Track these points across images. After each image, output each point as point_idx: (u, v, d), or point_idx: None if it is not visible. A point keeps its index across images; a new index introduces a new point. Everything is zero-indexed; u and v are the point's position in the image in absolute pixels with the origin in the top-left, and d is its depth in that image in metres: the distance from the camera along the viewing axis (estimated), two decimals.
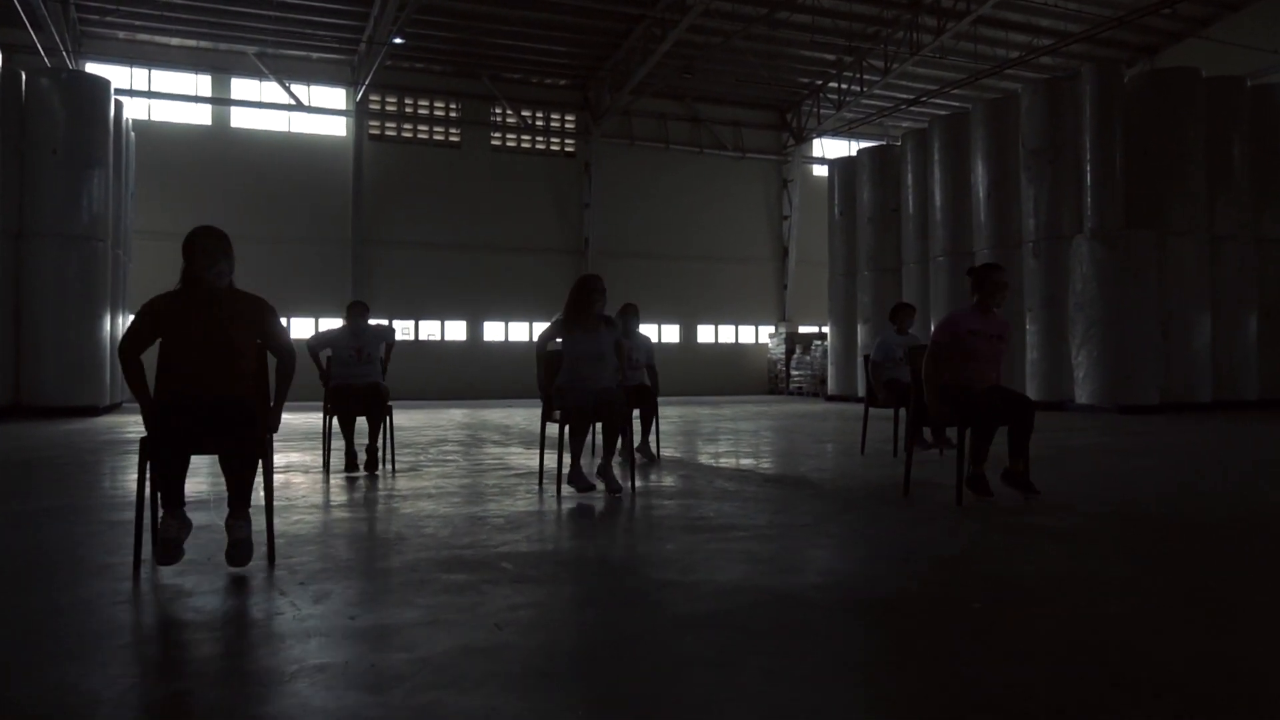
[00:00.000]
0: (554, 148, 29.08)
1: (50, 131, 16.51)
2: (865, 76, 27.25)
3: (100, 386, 17.08)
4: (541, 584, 3.68)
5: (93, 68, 24.24)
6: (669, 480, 7.07)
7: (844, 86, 28.36)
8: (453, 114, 27.94)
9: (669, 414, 17.02)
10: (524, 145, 28.75)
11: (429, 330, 27.44)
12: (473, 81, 27.66)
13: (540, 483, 6.71)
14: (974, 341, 5.76)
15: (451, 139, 27.98)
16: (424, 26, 24.64)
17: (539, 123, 28.81)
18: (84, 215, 16.76)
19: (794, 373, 28.32)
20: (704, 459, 8.77)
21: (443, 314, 27.53)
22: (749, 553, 4.22)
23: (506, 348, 27.73)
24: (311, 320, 26.06)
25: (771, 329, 30.96)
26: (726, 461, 8.53)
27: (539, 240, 28.40)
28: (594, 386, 6.30)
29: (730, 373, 30.22)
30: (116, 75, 24.64)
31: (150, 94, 25.03)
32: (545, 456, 7.03)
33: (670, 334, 30.01)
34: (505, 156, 28.38)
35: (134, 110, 24.59)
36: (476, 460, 8.70)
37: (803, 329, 30.45)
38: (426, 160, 27.47)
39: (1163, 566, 4.03)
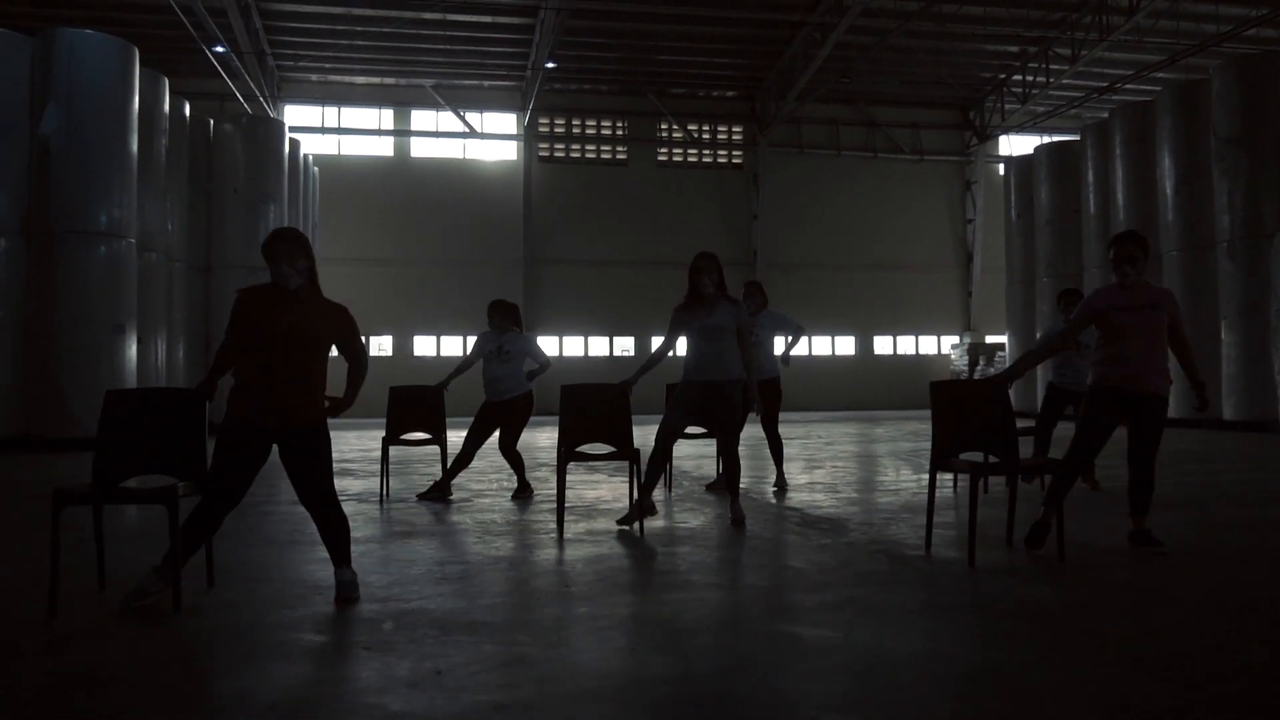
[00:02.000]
0: (721, 160, 28.86)
1: (232, 172, 18.02)
2: (1052, 66, 25.30)
3: None
4: None
5: (290, 109, 26.40)
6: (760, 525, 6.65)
7: (1030, 79, 26.46)
8: (619, 132, 28.29)
9: (820, 432, 16.37)
10: (690, 159, 28.70)
11: (598, 347, 27.83)
12: (638, 99, 27.90)
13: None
14: (1119, 317, 5.07)
15: (619, 157, 28.34)
16: (587, 48, 25.15)
17: (705, 136, 28.68)
18: (260, 247, 18.13)
19: None
20: (802, 496, 8.22)
21: (611, 330, 27.86)
22: None
23: (676, 363, 27.66)
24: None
25: (955, 339, 29.31)
26: (826, 503, 7.96)
27: None
28: (710, 376, 6.24)
29: (910, 386, 28.72)
30: (309, 115, 26.70)
31: (340, 130, 26.87)
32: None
33: (845, 346, 29.04)
34: (672, 171, 28.43)
35: (325, 146, 26.56)
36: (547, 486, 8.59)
37: (990, 339, 28.63)
38: (594, 179, 27.95)
39: None
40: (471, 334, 26.92)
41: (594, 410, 6.27)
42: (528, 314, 26.04)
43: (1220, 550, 5.31)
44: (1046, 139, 27.02)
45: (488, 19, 23.29)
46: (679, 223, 27.93)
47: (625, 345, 27.99)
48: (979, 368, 27.14)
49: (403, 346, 26.47)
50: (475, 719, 2.74)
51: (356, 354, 4.38)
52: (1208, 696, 2.88)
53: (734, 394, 6.29)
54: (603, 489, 8.28)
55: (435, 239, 26.39)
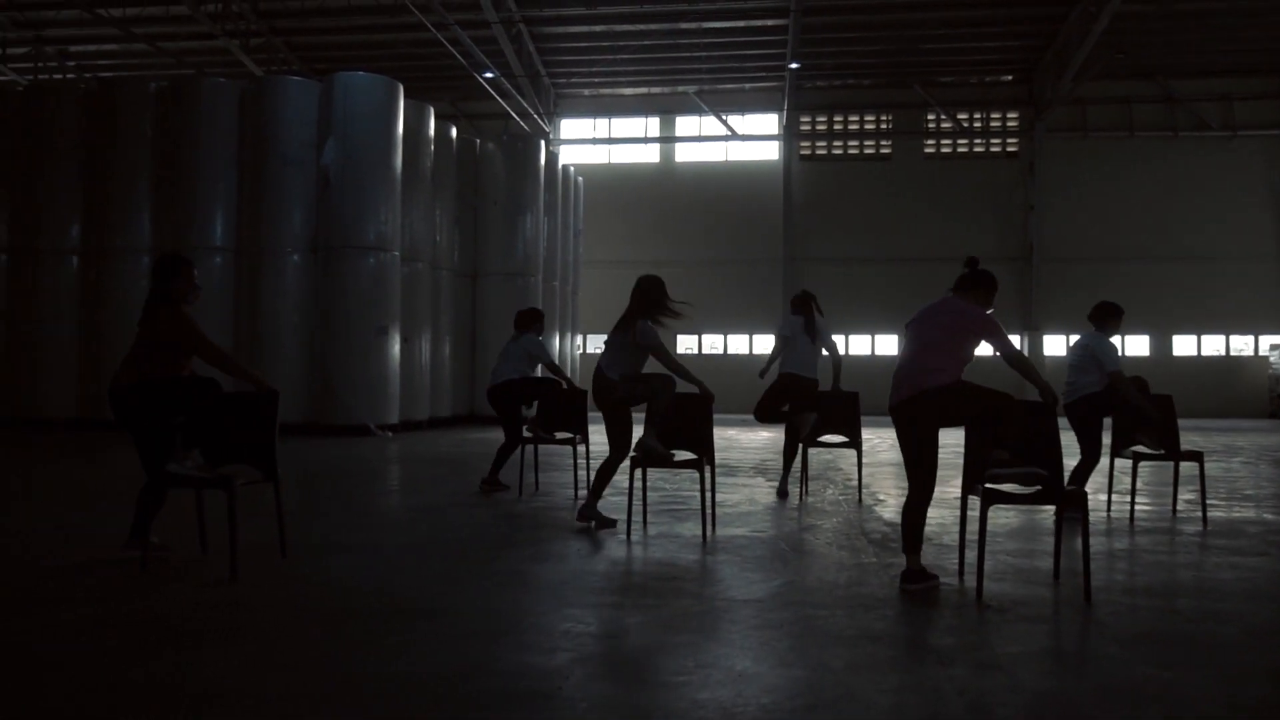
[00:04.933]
0: (993, 149, 27.27)
1: (494, 186, 19.78)
2: None
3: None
4: None
5: (565, 123, 28.37)
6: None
7: None
8: (883, 126, 27.60)
9: None
10: (960, 150, 27.38)
11: (859, 345, 27.33)
12: (903, 91, 27.04)
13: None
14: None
15: (882, 151, 27.65)
16: (846, 43, 24.85)
17: (976, 124, 27.22)
18: (518, 255, 19.80)
19: None
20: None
21: (873, 328, 27.26)
22: None
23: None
24: (746, 337, 27.57)
25: (1276, 339, 25.68)
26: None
27: (975, 248, 26.25)
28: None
29: (1219, 392, 25.60)
30: (582, 128, 28.52)
31: (609, 140, 28.45)
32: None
33: (1138, 346, 26.40)
34: (939, 163, 27.29)
35: (596, 156, 28.25)
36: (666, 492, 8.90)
37: None
38: (855, 175, 27.48)
39: None
40: (734, 333, 27.59)
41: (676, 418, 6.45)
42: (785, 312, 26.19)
43: None
44: None
45: (742, 23, 23.71)
46: (946, 217, 26.77)
47: (889, 344, 27.28)
48: None
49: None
50: None
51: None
52: None
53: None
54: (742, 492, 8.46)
55: (697, 241, 27.20)
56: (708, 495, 6.26)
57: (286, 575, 4.93)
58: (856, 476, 8.52)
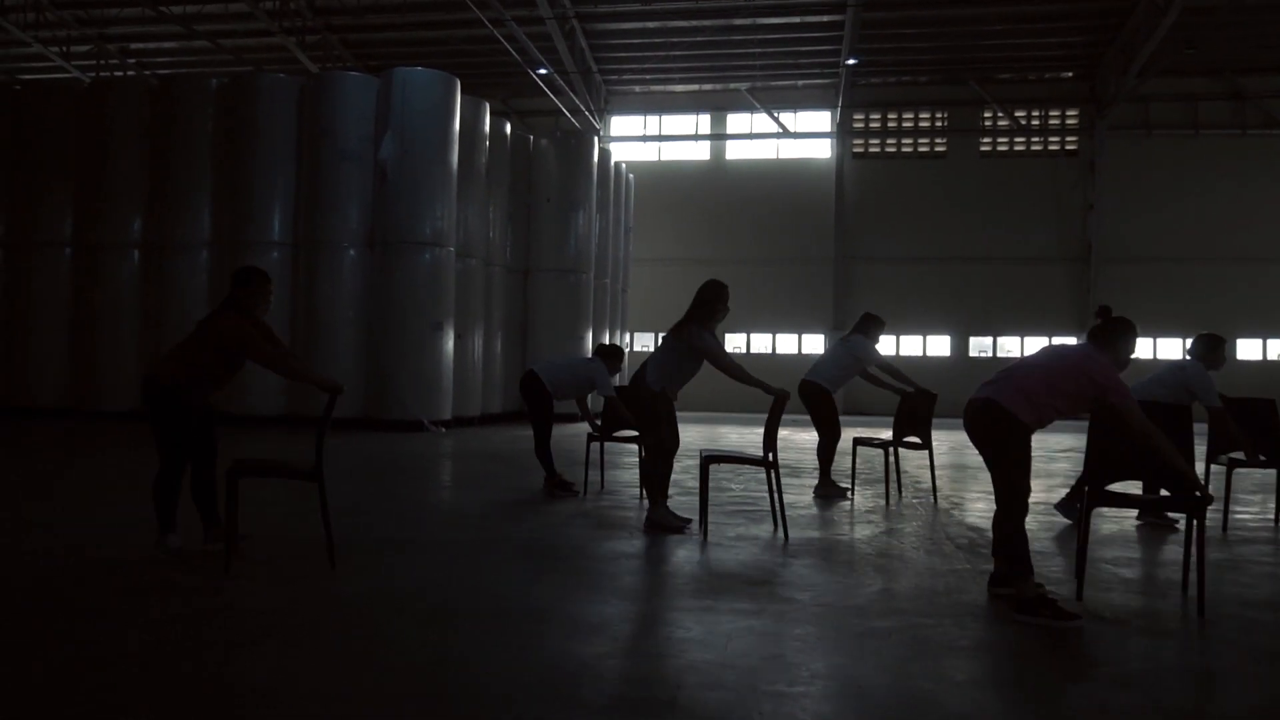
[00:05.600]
0: (1052, 147, 26.70)
1: (546, 182, 19.71)
2: None
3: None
4: None
5: (616, 120, 28.26)
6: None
7: None
8: (939, 124, 27.16)
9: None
10: (1017, 148, 26.84)
11: (910, 346, 26.91)
12: (959, 88, 26.57)
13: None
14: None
15: (937, 149, 27.21)
16: (902, 40, 24.48)
17: (1035, 122, 26.66)
18: (570, 251, 19.71)
19: None
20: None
21: (925, 329, 26.83)
22: None
23: (994, 364, 26.12)
24: (794, 336, 27.28)
25: None
26: None
27: (1032, 249, 26.25)
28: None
29: None
30: (633, 125, 28.39)
31: (660, 137, 28.29)
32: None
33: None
34: (995, 162, 26.77)
35: (646, 153, 28.10)
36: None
37: None
38: (909, 173, 27.07)
39: None
40: (783, 332, 27.32)
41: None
42: (840, 313, 25.94)
43: None
44: None
45: (797, 19, 23.41)
46: (1002, 216, 26.28)
47: (941, 345, 26.83)
48: None
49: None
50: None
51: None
52: None
53: None
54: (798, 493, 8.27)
55: (747, 239, 26.93)
56: (775, 496, 6.13)
57: (368, 573, 4.83)
58: (930, 479, 8.28)
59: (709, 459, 6.17)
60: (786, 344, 27.46)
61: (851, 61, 23.45)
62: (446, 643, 3.61)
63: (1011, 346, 26.77)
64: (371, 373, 15.52)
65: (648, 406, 6.32)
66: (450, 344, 16.06)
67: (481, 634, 3.70)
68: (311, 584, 4.52)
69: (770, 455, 6.11)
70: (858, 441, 8.52)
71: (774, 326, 27.16)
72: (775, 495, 6.17)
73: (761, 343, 27.49)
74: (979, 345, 26.93)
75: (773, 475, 6.10)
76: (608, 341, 21.01)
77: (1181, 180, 25.64)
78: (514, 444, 13.19)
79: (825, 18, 23.11)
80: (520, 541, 5.86)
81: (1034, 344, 26.80)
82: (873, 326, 8.24)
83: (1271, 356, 25.74)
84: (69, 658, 3.30)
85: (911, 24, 23.58)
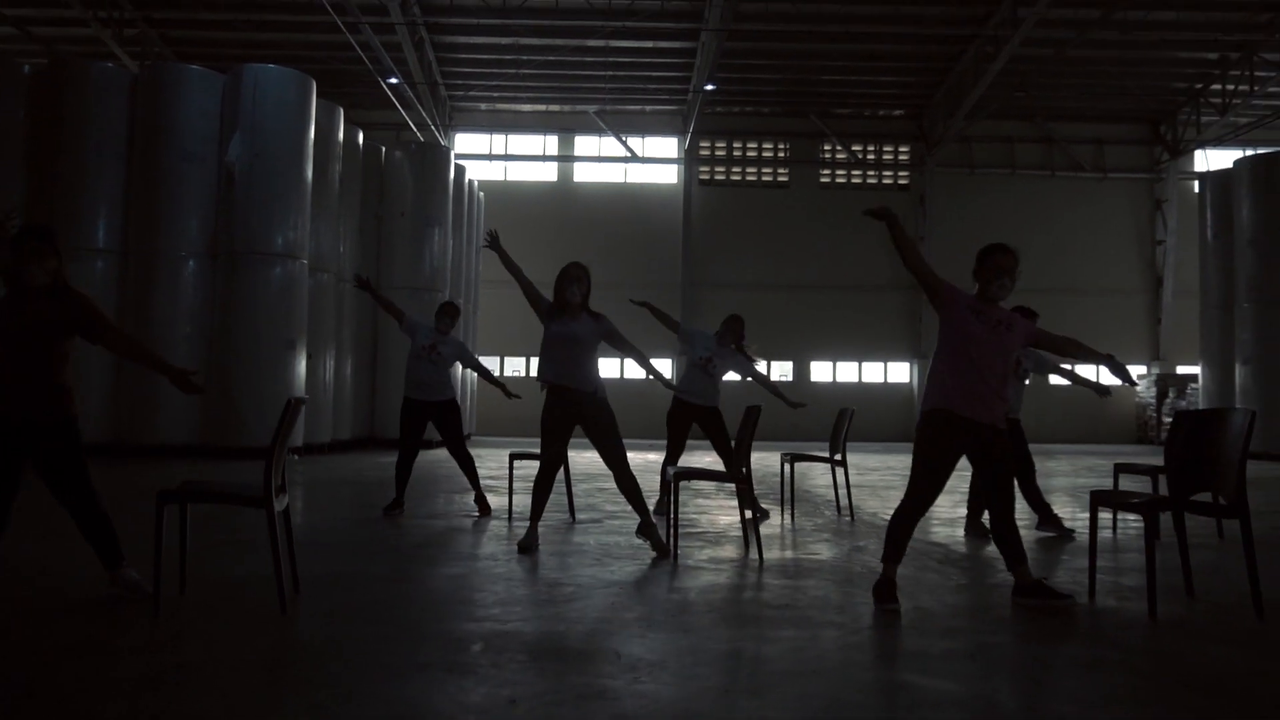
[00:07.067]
0: (886, 181, 28.00)
1: (400, 197, 18.75)
2: (1258, 73, 23.23)
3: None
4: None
5: (460, 137, 27.44)
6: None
7: (1231, 87, 24.39)
8: (781, 154, 27.93)
9: None
10: (854, 180, 27.98)
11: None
12: (801, 120, 27.46)
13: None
14: (972, 325, 4.46)
15: (780, 179, 27.96)
16: (749, 70, 24.99)
17: (870, 156, 27.90)
18: (425, 268, 18.80)
19: (1165, 419, 24.61)
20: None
21: (769, 354, 27.33)
22: None
23: (833, 389, 26.95)
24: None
25: (1142, 369, 27.21)
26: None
27: (869, 278, 27.35)
28: (575, 384, 5.95)
29: (1091, 418, 26.86)
30: (478, 143, 27.66)
31: (506, 156, 27.68)
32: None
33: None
34: (834, 193, 27.78)
35: (492, 173, 27.42)
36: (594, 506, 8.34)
37: (1181, 369, 26.47)
38: (754, 201, 27.67)
39: None
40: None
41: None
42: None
43: None
44: (1250, 152, 24.83)
45: (649, 44, 23.49)
46: (841, 245, 27.23)
47: (784, 369, 27.46)
48: (1168, 400, 25.14)
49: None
50: None
51: (108, 333, 4.26)
52: None
53: (604, 406, 5.93)
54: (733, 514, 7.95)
55: (595, 262, 26.34)
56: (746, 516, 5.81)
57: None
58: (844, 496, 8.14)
59: (679, 475, 5.75)
60: (634, 368, 27.28)
61: (710, 87, 23.69)
62: (452, 676, 3.00)
63: (849, 373, 27.68)
64: (211, 395, 14.07)
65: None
66: (303, 365, 14.84)
67: (524, 674, 3.09)
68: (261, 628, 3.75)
69: (745, 470, 5.77)
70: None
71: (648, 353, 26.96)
72: (748, 515, 5.82)
73: (610, 367, 27.18)
74: (820, 370, 27.70)
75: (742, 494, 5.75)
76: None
77: (1001, 217, 27.31)
78: (380, 470, 12.24)
79: (678, 43, 23.32)
80: (516, 576, 5.21)
81: (871, 369, 27.89)
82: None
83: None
84: None
85: (759, 55, 24.13)
